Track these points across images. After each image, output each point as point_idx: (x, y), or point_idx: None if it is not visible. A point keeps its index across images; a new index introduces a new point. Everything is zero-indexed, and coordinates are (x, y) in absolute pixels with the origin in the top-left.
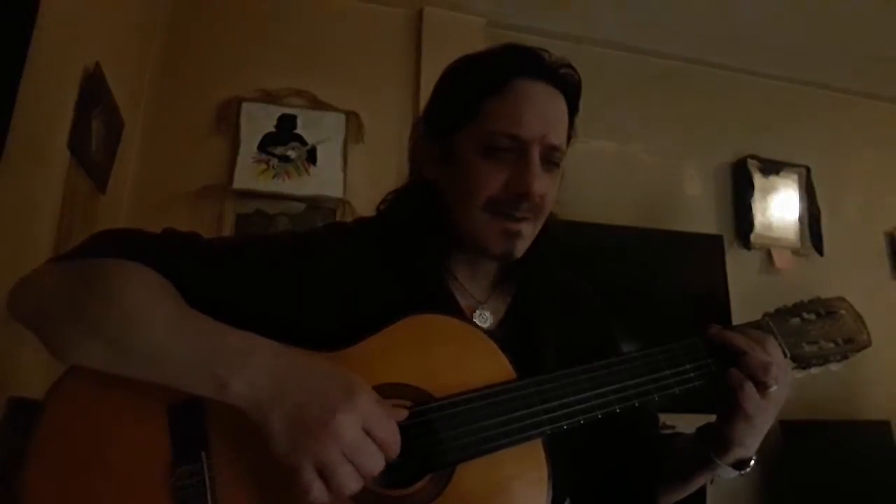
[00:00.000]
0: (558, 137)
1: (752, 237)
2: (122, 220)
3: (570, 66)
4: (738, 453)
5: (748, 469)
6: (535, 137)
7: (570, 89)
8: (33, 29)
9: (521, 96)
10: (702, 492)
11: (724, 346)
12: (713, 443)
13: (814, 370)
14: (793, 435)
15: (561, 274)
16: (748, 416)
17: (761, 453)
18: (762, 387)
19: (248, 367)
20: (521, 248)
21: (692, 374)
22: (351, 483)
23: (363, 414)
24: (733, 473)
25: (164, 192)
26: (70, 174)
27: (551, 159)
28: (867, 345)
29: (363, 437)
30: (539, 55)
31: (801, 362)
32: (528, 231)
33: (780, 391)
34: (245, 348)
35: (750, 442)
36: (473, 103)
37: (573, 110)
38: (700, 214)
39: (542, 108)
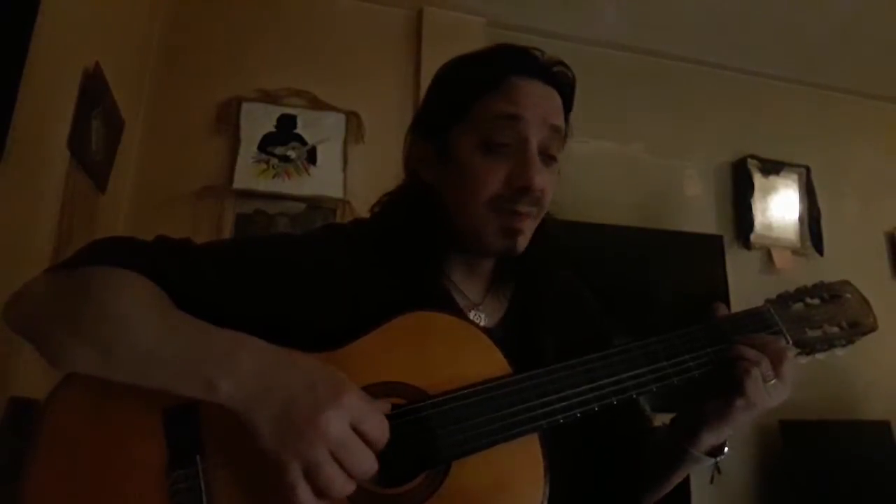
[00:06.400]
0: (558, 119)
1: (752, 237)
2: (122, 220)
3: (563, 63)
4: (709, 440)
5: (723, 456)
6: (535, 119)
7: (565, 87)
8: (33, 29)
9: (517, 89)
10: (686, 490)
11: (727, 338)
12: (684, 432)
13: (819, 355)
14: (793, 435)
15: (558, 274)
16: (750, 404)
17: (761, 453)
18: (767, 378)
19: (235, 367)
20: (522, 243)
21: (691, 364)
22: (336, 483)
23: (350, 410)
24: (709, 461)
25: (165, 192)
26: (70, 174)
27: (549, 150)
28: (874, 328)
29: (350, 434)
30: (533, 54)
31: (805, 347)
32: (529, 226)
33: (781, 388)
34: (232, 348)
35: (725, 427)
36: (469, 101)
37: (568, 108)
38: (700, 214)
39: (538, 97)
